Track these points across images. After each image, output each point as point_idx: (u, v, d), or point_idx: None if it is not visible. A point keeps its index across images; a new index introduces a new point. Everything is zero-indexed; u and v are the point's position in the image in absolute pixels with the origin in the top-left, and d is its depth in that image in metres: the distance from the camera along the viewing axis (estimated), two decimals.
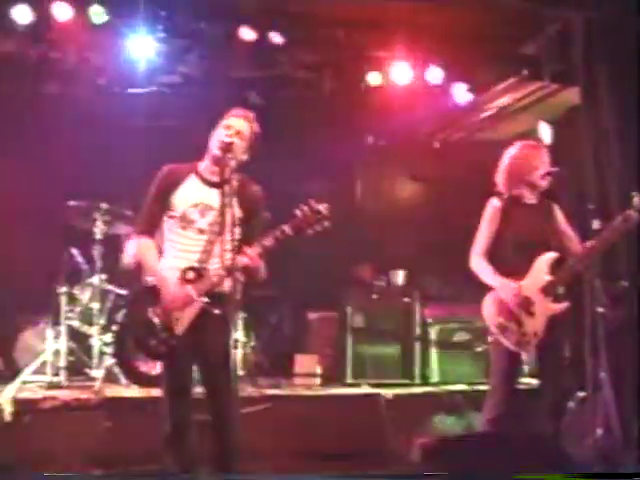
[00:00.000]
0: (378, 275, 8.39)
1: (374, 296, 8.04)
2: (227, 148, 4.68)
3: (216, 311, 4.59)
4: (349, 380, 7.76)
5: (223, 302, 4.59)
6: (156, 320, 4.62)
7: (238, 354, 4.76)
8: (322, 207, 4.62)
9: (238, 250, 4.54)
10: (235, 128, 4.78)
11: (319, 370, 7.70)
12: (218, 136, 4.76)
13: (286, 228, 4.60)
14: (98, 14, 7.76)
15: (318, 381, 7.67)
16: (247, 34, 8.14)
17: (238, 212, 4.67)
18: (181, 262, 4.70)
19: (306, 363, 7.68)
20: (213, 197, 4.68)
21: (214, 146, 4.75)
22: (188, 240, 4.71)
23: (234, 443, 4.68)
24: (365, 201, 9.22)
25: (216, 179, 4.72)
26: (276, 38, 8.19)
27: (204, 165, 4.82)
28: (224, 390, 4.60)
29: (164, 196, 4.76)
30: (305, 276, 8.29)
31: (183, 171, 4.82)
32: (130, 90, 8.38)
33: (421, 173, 9.16)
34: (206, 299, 4.62)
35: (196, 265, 4.65)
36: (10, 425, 6.19)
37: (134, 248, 4.85)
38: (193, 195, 4.75)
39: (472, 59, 8.43)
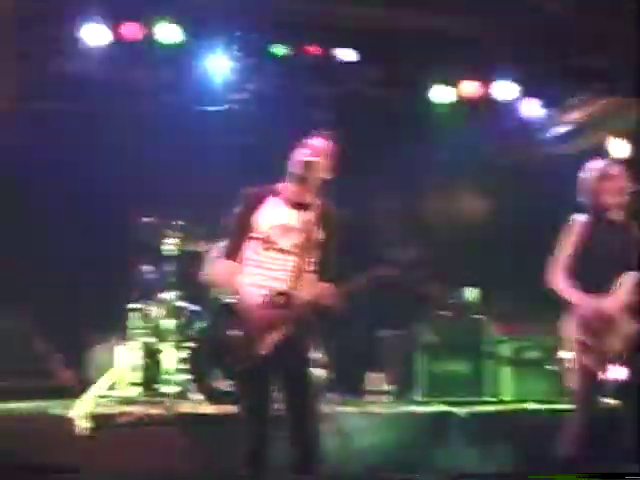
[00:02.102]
0: (449, 292, 8.33)
1: (445, 313, 8.00)
2: (308, 168, 4.69)
3: (300, 334, 4.61)
4: (419, 398, 7.72)
5: (305, 325, 4.63)
6: (239, 340, 4.61)
7: (318, 372, 4.76)
8: (396, 268, 4.68)
9: (321, 275, 4.61)
10: (315, 147, 4.77)
11: (389, 387, 7.66)
12: (298, 156, 4.76)
13: (363, 280, 4.64)
14: (171, 34, 7.89)
15: (388, 399, 7.64)
16: (316, 51, 8.21)
17: (319, 234, 4.70)
18: (262, 280, 4.69)
19: (376, 381, 7.65)
20: (295, 218, 4.70)
21: (295, 166, 4.75)
22: (270, 260, 4.70)
23: (313, 459, 4.67)
24: (434, 218, 9.15)
25: (297, 200, 4.73)
26: (345, 55, 8.25)
27: (285, 186, 4.81)
28: (304, 408, 4.63)
29: (246, 218, 4.75)
30: (375, 293, 8.24)
31: (264, 192, 4.82)
32: (202, 108, 8.46)
33: (491, 189, 9.06)
34: (292, 323, 4.62)
35: (286, 290, 4.63)
36: (85, 440, 6.26)
37: (219, 269, 4.85)
38: (275, 216, 4.73)
39: (543, 74, 8.38)
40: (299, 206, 4.72)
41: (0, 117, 7.72)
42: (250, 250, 4.75)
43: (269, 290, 4.64)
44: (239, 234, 4.77)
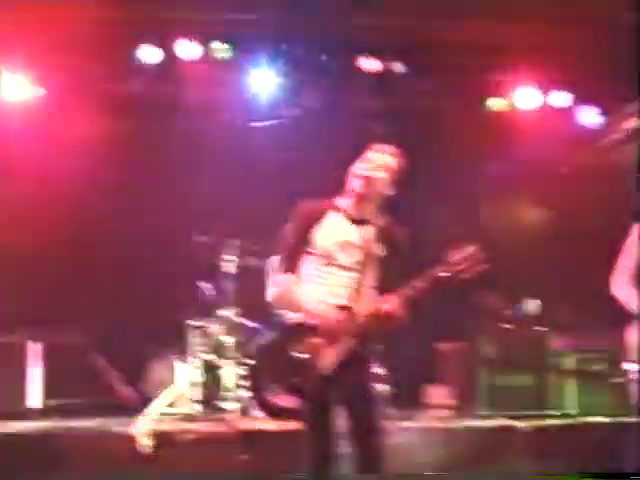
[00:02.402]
0: (510, 304, 8.22)
1: (506, 325, 7.90)
2: (368, 183, 4.60)
3: (363, 350, 4.54)
4: (482, 412, 7.62)
5: (367, 340, 4.55)
6: (302, 357, 4.57)
7: (381, 388, 4.70)
8: (476, 251, 4.54)
9: (382, 292, 4.50)
10: (376, 162, 4.66)
11: (451, 401, 7.57)
12: (359, 170, 4.68)
13: (439, 271, 4.50)
14: (222, 50, 7.94)
15: (450, 413, 7.54)
16: (368, 64, 8.19)
17: (380, 251, 4.62)
18: (323, 296, 4.61)
19: (438, 394, 7.57)
20: (355, 234, 4.62)
21: (355, 181, 4.67)
22: (329, 276, 4.62)
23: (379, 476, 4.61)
24: (491, 229, 9.03)
25: (358, 216, 4.66)
26: (397, 67, 8.21)
27: (344, 201, 4.73)
28: (369, 424, 4.56)
29: (304, 233, 4.67)
30: (434, 306, 8.17)
31: (322, 207, 4.74)
32: (253, 124, 8.48)
33: (548, 199, 8.94)
34: (355, 339, 4.55)
35: (347, 304, 4.57)
36: (148, 458, 6.27)
37: (279, 284, 4.80)
38: (335, 232, 4.65)
39: (599, 81, 8.25)
40: (360, 222, 4.65)
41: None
42: (309, 266, 4.68)
43: (330, 305, 4.58)
44: (297, 249, 4.69)
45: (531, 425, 6.88)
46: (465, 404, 7.73)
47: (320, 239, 4.65)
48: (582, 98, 8.52)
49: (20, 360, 7.50)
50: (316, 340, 4.55)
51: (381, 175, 4.64)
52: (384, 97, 8.50)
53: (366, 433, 4.57)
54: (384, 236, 4.63)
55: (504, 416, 7.38)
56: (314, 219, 4.69)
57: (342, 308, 4.55)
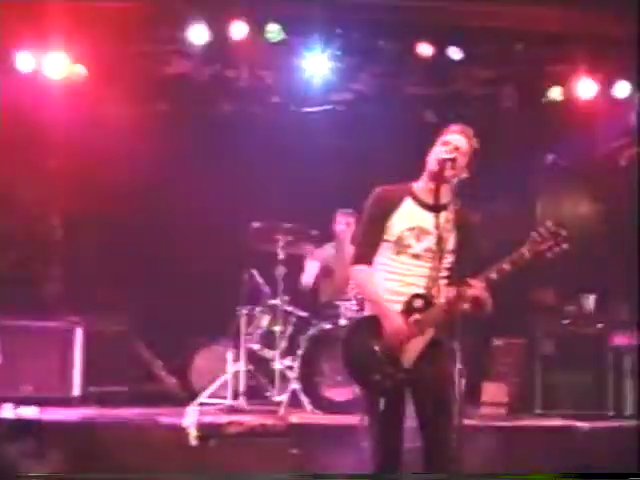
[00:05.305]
0: (567, 300, 7.96)
1: (565, 322, 7.64)
2: (447, 165, 4.39)
3: (445, 341, 4.33)
4: (538, 410, 7.41)
5: (449, 332, 4.31)
6: (380, 353, 4.33)
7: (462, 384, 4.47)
8: (560, 229, 4.31)
9: (458, 279, 4.27)
10: (454, 144, 4.47)
11: (507, 399, 7.33)
12: (437, 154, 4.46)
13: (525, 252, 4.28)
14: (274, 32, 7.70)
15: (505, 410, 7.30)
16: (425, 50, 7.93)
17: (455, 238, 4.40)
18: (397, 287, 4.40)
19: (494, 392, 7.31)
20: (429, 221, 4.41)
21: (433, 164, 4.45)
22: (401, 265, 4.42)
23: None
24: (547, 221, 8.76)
25: (434, 201, 4.44)
26: (454, 54, 7.95)
27: (421, 186, 4.52)
28: (445, 422, 4.34)
29: (380, 220, 4.47)
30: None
31: (398, 193, 4.53)
32: (304, 108, 8.27)
33: (607, 192, 8.66)
34: (434, 329, 4.33)
35: (423, 292, 4.36)
36: (195, 450, 6.07)
37: (353, 276, 4.61)
38: (409, 218, 4.45)
39: None
40: (435, 208, 4.43)
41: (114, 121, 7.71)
42: (381, 255, 4.48)
43: (406, 295, 4.36)
44: (374, 236, 4.49)
45: (589, 425, 6.63)
46: (521, 402, 7.49)
47: (394, 226, 4.45)
48: None
49: (65, 346, 7.34)
50: (393, 334, 4.32)
51: (458, 158, 4.44)
52: (440, 84, 8.24)
53: (441, 430, 4.35)
54: (459, 223, 4.40)
55: (561, 415, 7.19)
56: (390, 205, 4.49)
57: (419, 297, 4.34)
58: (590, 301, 7.88)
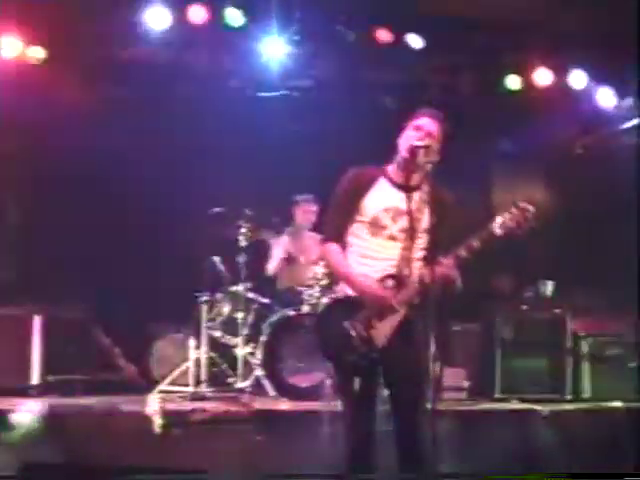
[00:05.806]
0: (525, 286, 8.04)
1: (523, 307, 7.73)
2: (420, 152, 4.37)
3: (418, 320, 4.31)
4: (497, 394, 7.46)
5: (422, 312, 4.29)
6: (354, 333, 4.32)
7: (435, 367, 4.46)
8: (528, 206, 4.37)
9: (432, 259, 4.26)
10: (426, 129, 4.45)
11: (466, 384, 7.40)
12: (409, 139, 4.44)
13: (494, 228, 4.32)
14: (234, 17, 7.64)
15: (465, 395, 7.38)
16: (384, 36, 7.93)
17: (429, 218, 4.41)
18: (368, 269, 4.42)
19: (453, 376, 7.37)
20: (404, 202, 4.40)
21: (404, 149, 4.44)
22: (376, 247, 4.42)
23: (422, 459, 4.37)
24: (503, 209, 8.84)
25: (407, 183, 4.44)
26: (413, 41, 7.97)
27: (394, 168, 4.51)
28: (416, 405, 4.34)
29: (353, 200, 4.46)
30: None
31: (372, 174, 4.52)
32: (262, 93, 8.20)
33: (563, 180, 8.76)
34: (409, 308, 4.33)
35: (395, 272, 4.36)
36: (159, 437, 6.02)
37: (323, 256, 4.58)
38: (385, 199, 4.45)
39: (616, 62, 8.08)
40: (408, 189, 4.43)
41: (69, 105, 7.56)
42: (354, 236, 4.48)
43: (379, 276, 4.36)
44: (346, 216, 4.47)
45: (549, 409, 6.70)
46: (480, 387, 7.55)
47: (369, 207, 4.44)
48: (599, 79, 8.34)
49: (23, 334, 7.19)
50: (366, 314, 4.33)
51: (428, 142, 4.41)
52: (398, 70, 8.25)
53: (414, 415, 4.35)
54: (434, 203, 4.39)
55: (519, 399, 7.27)
56: (364, 186, 4.47)
57: (392, 277, 4.35)
58: (548, 287, 7.97)
